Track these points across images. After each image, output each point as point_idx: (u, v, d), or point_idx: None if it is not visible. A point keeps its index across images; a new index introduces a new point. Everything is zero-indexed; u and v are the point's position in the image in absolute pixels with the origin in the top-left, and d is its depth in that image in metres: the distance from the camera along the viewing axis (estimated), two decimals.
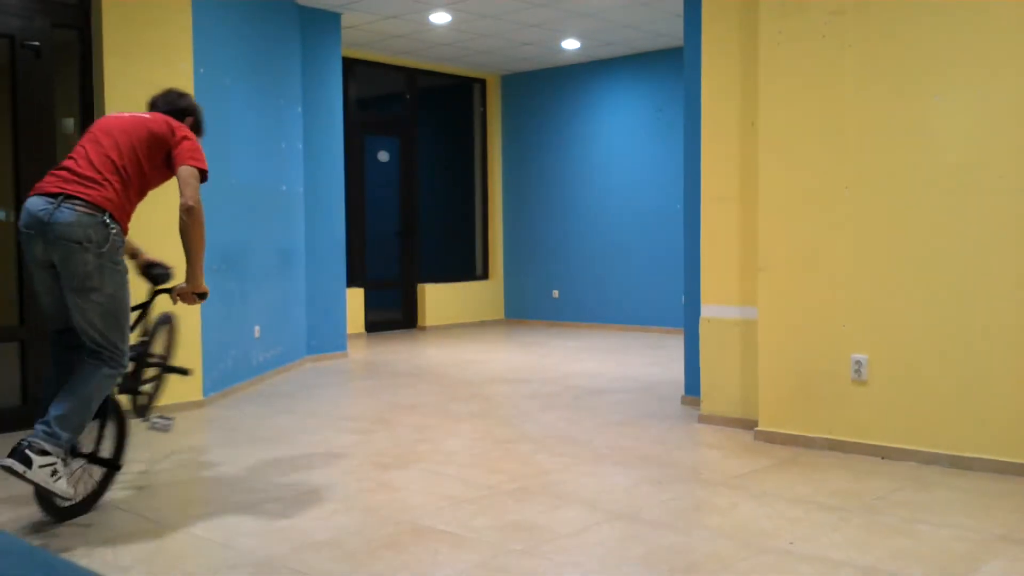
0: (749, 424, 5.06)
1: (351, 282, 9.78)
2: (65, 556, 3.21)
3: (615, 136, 10.73)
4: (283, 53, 7.67)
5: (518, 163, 11.66)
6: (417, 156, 11.05)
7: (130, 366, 3.82)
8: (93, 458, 3.70)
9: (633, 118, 10.56)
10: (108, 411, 3.75)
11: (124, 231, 3.58)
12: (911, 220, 4.34)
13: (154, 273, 4.09)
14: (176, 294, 3.78)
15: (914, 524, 3.45)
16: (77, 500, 3.59)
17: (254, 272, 6.95)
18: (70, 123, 5.74)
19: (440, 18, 8.66)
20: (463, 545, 3.26)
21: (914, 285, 4.34)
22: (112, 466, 3.78)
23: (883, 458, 4.41)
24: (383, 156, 11.01)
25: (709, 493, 3.95)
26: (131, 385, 4.09)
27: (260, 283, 7.06)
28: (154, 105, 3.92)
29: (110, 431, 3.79)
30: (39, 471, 3.21)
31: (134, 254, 4.04)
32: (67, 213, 3.37)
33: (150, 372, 4.25)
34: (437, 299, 11.15)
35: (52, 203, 3.38)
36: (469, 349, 8.95)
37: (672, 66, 9.80)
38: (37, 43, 5.33)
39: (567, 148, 11.15)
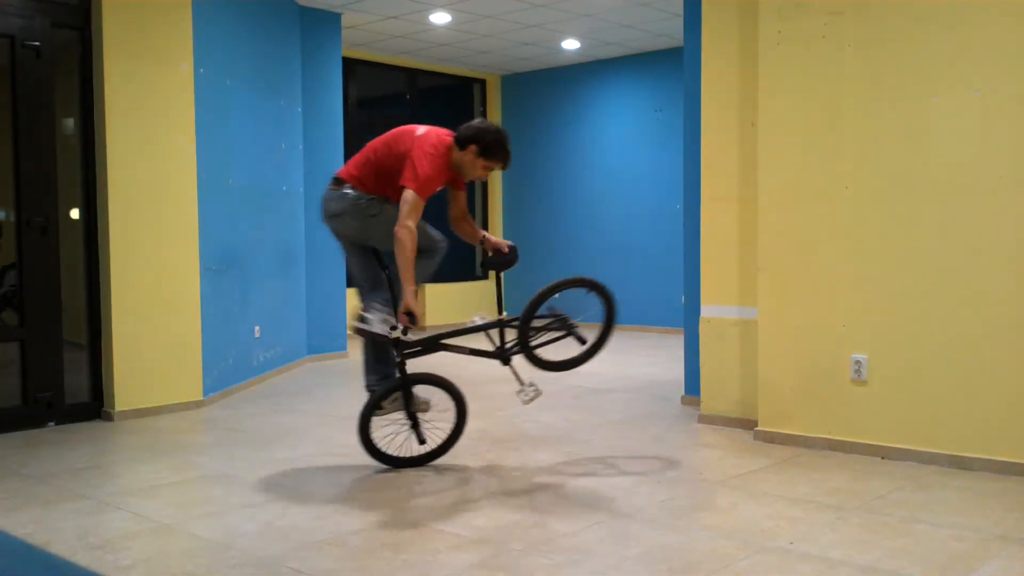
0: (749, 424, 5.06)
1: (351, 282, 9.77)
2: (65, 556, 3.21)
3: (615, 136, 10.73)
4: (283, 53, 7.68)
5: (518, 163, 11.62)
6: None
7: (510, 334, 4.43)
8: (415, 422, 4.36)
9: (633, 118, 10.56)
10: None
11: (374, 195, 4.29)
12: (911, 220, 4.35)
13: (490, 260, 4.58)
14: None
15: (913, 524, 3.45)
16: (412, 455, 4.37)
17: (255, 272, 6.95)
18: (70, 123, 5.75)
19: (440, 18, 8.67)
20: (463, 545, 3.26)
21: (914, 285, 4.34)
22: (451, 438, 4.46)
23: (883, 458, 4.41)
24: None
25: (709, 493, 3.95)
26: (519, 347, 4.39)
27: (260, 283, 7.07)
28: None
29: (452, 409, 4.43)
30: (372, 322, 4.21)
31: (482, 241, 4.56)
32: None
33: (542, 336, 4.46)
34: (437, 299, 11.15)
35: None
36: None
37: (672, 66, 9.80)
38: (37, 43, 5.34)
39: (567, 148, 11.15)
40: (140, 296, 5.64)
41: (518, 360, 4.41)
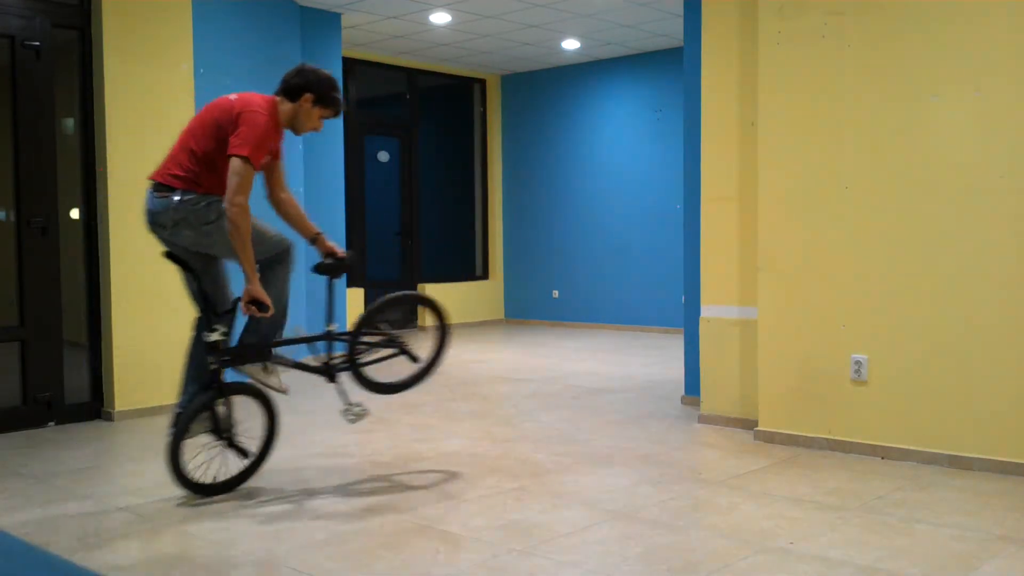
0: (749, 424, 5.07)
1: (351, 282, 9.78)
2: (65, 556, 3.21)
3: (615, 136, 10.73)
4: (283, 53, 7.67)
5: (518, 163, 11.66)
6: (417, 156, 11.05)
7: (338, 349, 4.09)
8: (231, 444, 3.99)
9: (633, 118, 10.56)
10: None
11: (210, 194, 3.76)
12: (911, 220, 4.35)
13: (323, 264, 4.10)
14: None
15: (913, 524, 3.45)
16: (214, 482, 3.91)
17: None
18: (70, 123, 5.75)
19: (440, 18, 8.67)
20: (463, 545, 3.26)
21: (914, 285, 4.34)
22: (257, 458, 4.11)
23: (883, 458, 4.41)
24: (383, 156, 11.01)
25: (709, 493, 3.95)
26: (347, 364, 4.11)
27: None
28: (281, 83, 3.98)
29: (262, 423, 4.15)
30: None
31: (315, 240, 4.10)
32: None
33: (373, 353, 4.17)
34: (437, 299, 11.14)
35: None
36: (469, 349, 8.94)
37: (672, 66, 9.80)
38: (37, 43, 5.34)
39: (567, 148, 11.16)
40: (140, 296, 5.64)
41: (345, 377, 4.13)
